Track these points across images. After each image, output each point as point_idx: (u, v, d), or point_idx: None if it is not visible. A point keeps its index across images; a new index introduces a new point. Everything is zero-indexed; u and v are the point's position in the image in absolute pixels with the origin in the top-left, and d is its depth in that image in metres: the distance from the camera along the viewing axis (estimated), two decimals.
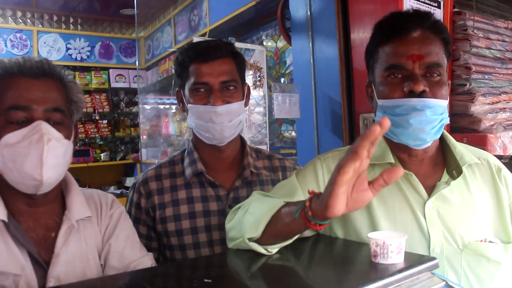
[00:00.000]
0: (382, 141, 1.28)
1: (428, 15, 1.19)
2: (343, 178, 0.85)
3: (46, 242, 1.17)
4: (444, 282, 0.93)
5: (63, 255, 1.16)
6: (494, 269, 1.14)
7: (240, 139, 1.68)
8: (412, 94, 1.13)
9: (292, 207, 1.02)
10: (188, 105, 1.54)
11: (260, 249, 1.05)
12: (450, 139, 1.27)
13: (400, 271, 0.89)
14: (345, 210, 0.89)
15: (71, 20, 6.43)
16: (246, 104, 1.61)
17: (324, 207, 0.88)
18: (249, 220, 1.09)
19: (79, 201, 1.24)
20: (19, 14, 6.02)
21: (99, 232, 1.28)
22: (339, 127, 2.54)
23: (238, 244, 1.11)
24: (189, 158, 1.61)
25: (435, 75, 1.16)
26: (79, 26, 6.51)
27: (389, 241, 0.92)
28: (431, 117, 1.12)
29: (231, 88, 1.53)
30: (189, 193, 1.58)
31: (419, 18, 1.18)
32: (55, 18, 6.30)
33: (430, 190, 1.19)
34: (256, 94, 3.13)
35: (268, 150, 2.86)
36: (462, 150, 1.23)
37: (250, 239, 1.06)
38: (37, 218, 1.19)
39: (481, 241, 1.15)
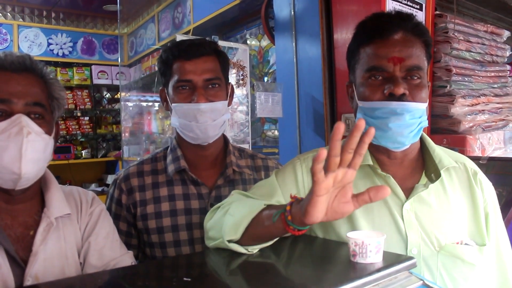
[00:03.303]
0: None
1: (410, 17, 1.20)
2: (320, 187, 0.85)
3: (24, 240, 1.16)
4: (422, 282, 0.94)
5: (42, 253, 1.14)
6: (469, 271, 1.16)
7: (223, 138, 1.68)
8: (392, 96, 1.14)
9: (272, 210, 1.02)
10: (172, 104, 1.54)
11: (240, 249, 1.06)
12: (430, 142, 1.28)
13: (379, 270, 0.90)
14: (323, 219, 0.89)
15: (53, 15, 6.34)
16: (229, 104, 1.61)
17: (303, 213, 0.89)
18: (229, 221, 1.09)
19: (59, 199, 1.23)
20: None
21: (79, 230, 1.26)
22: (321, 126, 2.55)
23: (218, 244, 1.11)
24: (172, 155, 1.60)
25: (416, 78, 1.16)
26: (61, 21, 6.42)
27: (368, 240, 0.93)
28: (409, 121, 1.14)
29: (215, 86, 1.52)
30: (171, 191, 1.57)
31: (401, 20, 1.19)
32: (36, 12, 6.20)
33: (408, 192, 1.20)
34: (239, 92, 3.13)
35: (251, 149, 2.86)
36: (440, 153, 1.24)
37: (229, 241, 1.06)
38: (15, 215, 1.17)
39: (457, 243, 1.17)
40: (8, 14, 5.98)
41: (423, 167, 1.26)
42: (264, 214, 1.04)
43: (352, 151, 0.85)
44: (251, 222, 1.04)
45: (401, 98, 1.13)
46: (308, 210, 0.87)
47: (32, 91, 1.14)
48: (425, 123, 1.19)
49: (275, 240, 1.08)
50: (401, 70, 1.15)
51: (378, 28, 1.19)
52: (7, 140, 1.07)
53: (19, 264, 1.11)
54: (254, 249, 1.06)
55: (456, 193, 1.23)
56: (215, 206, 1.25)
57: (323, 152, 0.81)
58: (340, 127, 0.81)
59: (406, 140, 1.16)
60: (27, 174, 1.09)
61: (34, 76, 1.17)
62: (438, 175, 1.20)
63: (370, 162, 1.22)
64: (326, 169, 0.85)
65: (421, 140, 1.28)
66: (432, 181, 1.21)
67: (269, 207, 1.07)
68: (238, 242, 1.06)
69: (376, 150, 1.24)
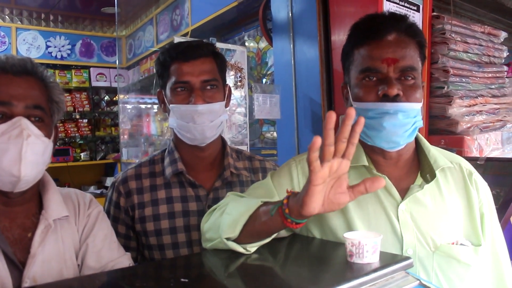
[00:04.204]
0: (357, 143, 1.29)
1: (403, 18, 1.21)
2: (317, 176, 0.87)
3: (22, 242, 1.16)
4: (418, 281, 0.95)
5: (40, 255, 1.15)
6: (464, 271, 1.16)
7: (221, 140, 1.68)
8: (386, 97, 1.14)
9: (269, 206, 1.03)
10: (170, 105, 1.54)
11: (238, 248, 1.06)
12: (425, 142, 1.28)
13: (375, 270, 0.90)
14: (320, 210, 0.91)
15: (51, 17, 6.34)
16: (227, 105, 1.62)
17: (300, 205, 0.91)
18: (226, 220, 1.10)
19: (57, 201, 1.23)
20: None
21: (77, 232, 1.26)
22: (319, 128, 2.56)
23: (215, 244, 1.12)
24: (170, 157, 1.60)
25: (410, 78, 1.17)
26: (59, 23, 6.43)
27: (364, 241, 0.93)
28: (403, 120, 1.14)
29: (213, 87, 1.53)
30: (169, 193, 1.58)
31: (395, 21, 1.19)
32: (34, 15, 6.20)
33: (404, 192, 1.21)
34: (237, 94, 3.13)
35: (249, 150, 2.86)
36: (436, 153, 1.25)
37: (227, 239, 1.07)
38: (13, 217, 1.17)
39: (453, 243, 1.17)
40: (7, 17, 5.99)
41: (418, 167, 1.26)
42: (261, 210, 1.05)
43: (346, 140, 0.87)
44: (248, 219, 1.05)
45: (395, 99, 1.14)
46: (305, 200, 0.89)
47: (33, 94, 1.15)
48: (420, 123, 1.19)
49: (273, 237, 1.09)
50: (395, 71, 1.16)
51: (372, 29, 1.20)
52: (7, 143, 1.07)
53: (17, 266, 1.12)
54: (252, 247, 1.07)
55: (452, 193, 1.23)
56: (212, 208, 1.25)
57: (318, 140, 0.84)
58: (332, 116, 0.84)
59: (400, 139, 1.17)
60: (26, 177, 1.10)
61: (34, 79, 1.18)
62: (433, 176, 1.21)
63: (366, 163, 1.22)
64: (322, 159, 0.87)
65: (416, 140, 1.28)
66: (427, 181, 1.21)
67: (265, 203, 1.08)
68: (236, 240, 1.07)
69: (371, 151, 1.24)
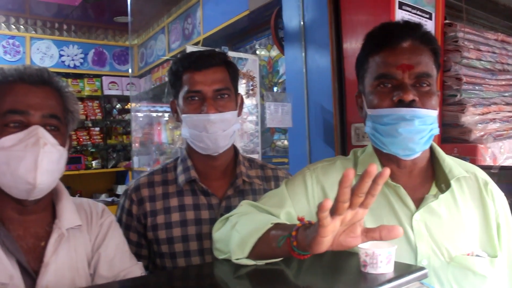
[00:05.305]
0: (372, 152, 1.28)
1: (418, 26, 1.20)
2: (325, 229, 0.82)
3: (35, 251, 1.17)
4: None
5: (53, 264, 1.16)
6: (480, 283, 1.14)
7: (234, 148, 1.68)
8: (401, 103, 1.13)
9: (279, 232, 1.01)
10: (182, 115, 1.55)
11: (249, 262, 1.06)
12: (439, 151, 1.27)
13: (390, 281, 0.89)
14: (328, 249, 0.87)
15: (65, 27, 6.42)
16: (239, 114, 1.62)
17: (308, 245, 0.88)
18: (235, 238, 1.09)
19: (70, 210, 1.24)
20: (12, 20, 6.00)
21: (89, 241, 1.27)
22: (331, 136, 2.55)
23: (226, 257, 1.12)
24: (183, 165, 1.61)
25: (425, 85, 1.16)
26: (72, 33, 6.50)
27: (378, 251, 0.92)
28: (419, 126, 1.13)
29: (225, 96, 1.53)
30: (181, 201, 1.58)
31: (410, 29, 1.19)
32: (48, 24, 6.29)
33: (418, 202, 1.19)
34: (249, 103, 3.14)
35: (260, 159, 2.86)
36: (450, 163, 1.23)
37: (237, 259, 1.06)
38: (27, 226, 1.18)
39: (468, 254, 1.15)
40: (21, 26, 6.07)
41: (433, 177, 1.25)
42: (271, 235, 1.03)
43: (363, 195, 0.81)
44: (257, 240, 1.04)
45: (410, 104, 1.13)
46: (312, 246, 0.86)
47: (49, 103, 1.17)
48: (436, 131, 1.18)
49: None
50: (410, 77, 1.15)
51: (387, 36, 1.19)
52: (23, 151, 1.09)
53: (30, 274, 1.13)
54: (263, 262, 1.06)
55: (467, 203, 1.21)
56: (224, 217, 1.25)
57: (328, 202, 0.78)
58: (350, 174, 0.78)
59: (417, 146, 1.15)
60: (41, 185, 1.11)
61: (51, 89, 1.20)
62: (448, 185, 1.19)
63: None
64: (334, 212, 0.81)
65: (431, 149, 1.27)
66: (442, 191, 1.20)
67: (276, 226, 1.06)
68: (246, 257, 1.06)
69: (386, 160, 1.23)
